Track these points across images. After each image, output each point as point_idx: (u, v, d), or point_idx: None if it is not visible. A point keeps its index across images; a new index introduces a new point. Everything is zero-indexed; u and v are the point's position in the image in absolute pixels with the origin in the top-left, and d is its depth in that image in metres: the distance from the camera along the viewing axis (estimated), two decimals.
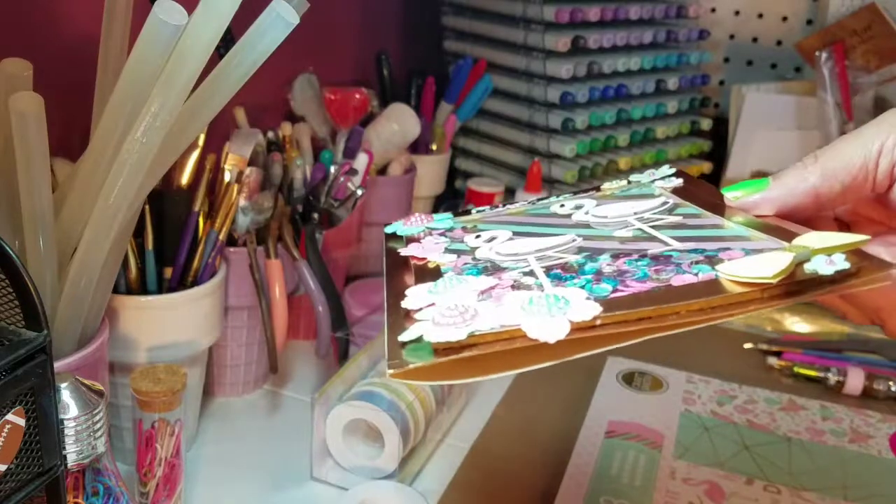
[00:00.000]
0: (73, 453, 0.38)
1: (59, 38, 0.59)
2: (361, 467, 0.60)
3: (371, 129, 0.85)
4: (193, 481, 0.59)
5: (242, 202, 0.62)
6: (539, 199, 0.44)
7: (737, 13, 1.15)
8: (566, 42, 0.87)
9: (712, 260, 0.31)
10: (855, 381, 0.76)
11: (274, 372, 0.65)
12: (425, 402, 0.62)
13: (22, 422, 0.34)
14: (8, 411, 0.34)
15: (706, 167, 1.04)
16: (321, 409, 0.59)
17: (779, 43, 1.14)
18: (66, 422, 0.37)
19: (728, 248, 0.32)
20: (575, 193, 0.43)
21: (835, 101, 1.05)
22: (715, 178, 1.06)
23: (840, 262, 0.28)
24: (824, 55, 1.05)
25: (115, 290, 0.54)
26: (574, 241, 0.35)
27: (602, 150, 0.94)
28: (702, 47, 1.03)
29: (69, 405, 0.38)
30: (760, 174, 1.08)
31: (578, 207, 0.40)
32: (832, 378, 0.77)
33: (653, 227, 0.36)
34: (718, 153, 1.09)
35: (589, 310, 0.27)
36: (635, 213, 0.38)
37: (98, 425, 0.39)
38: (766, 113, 1.08)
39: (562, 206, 0.41)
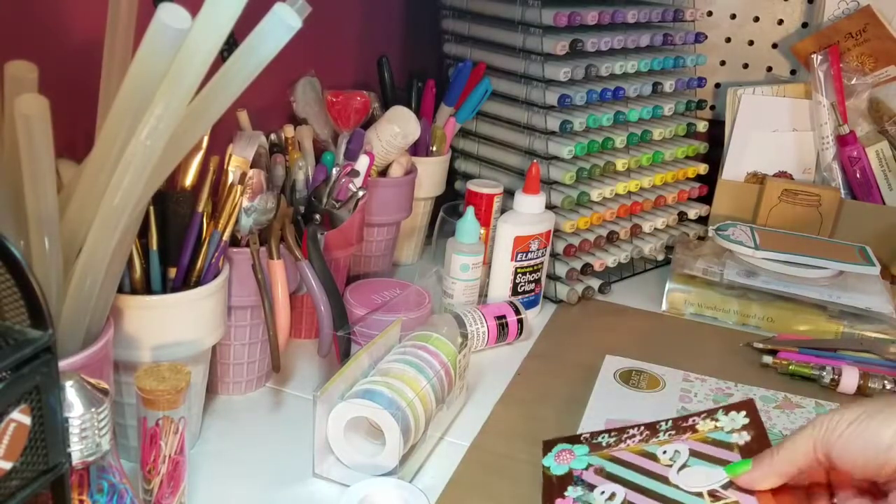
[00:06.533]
0: (77, 451, 0.38)
1: (63, 41, 0.60)
2: (363, 464, 0.60)
3: (372, 131, 0.86)
4: (197, 478, 0.59)
5: (245, 203, 0.62)
6: (649, 431, 0.58)
7: (733, 16, 1.15)
8: (564, 45, 0.88)
9: None
10: (849, 379, 0.76)
11: (276, 370, 0.66)
12: (426, 401, 0.62)
13: (27, 420, 0.35)
14: (13, 409, 0.34)
15: (702, 169, 1.05)
16: (323, 406, 0.60)
17: (774, 46, 1.14)
18: (71, 420, 0.38)
19: None
20: (676, 425, 0.57)
21: (830, 103, 1.06)
22: (711, 180, 1.07)
23: None
24: (819, 58, 1.06)
25: (120, 290, 0.55)
26: None
27: (600, 152, 0.95)
28: (698, 50, 1.04)
29: (74, 403, 0.38)
30: (756, 176, 1.09)
31: (673, 460, 0.54)
32: (827, 377, 0.77)
33: None
34: (714, 155, 1.09)
35: None
36: (706, 487, 0.51)
37: (103, 423, 0.39)
38: (761, 115, 1.08)
39: (664, 452, 0.55)
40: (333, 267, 0.77)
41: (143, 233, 0.56)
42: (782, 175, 1.09)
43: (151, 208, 0.57)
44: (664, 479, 0.53)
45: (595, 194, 0.93)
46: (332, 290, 0.69)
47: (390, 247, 0.94)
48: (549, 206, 0.90)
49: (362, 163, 0.75)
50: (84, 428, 0.38)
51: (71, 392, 0.38)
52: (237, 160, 0.63)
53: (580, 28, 0.91)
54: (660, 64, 0.97)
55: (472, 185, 0.93)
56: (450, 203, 0.99)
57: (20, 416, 0.34)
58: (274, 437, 0.66)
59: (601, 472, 0.56)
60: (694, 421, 0.56)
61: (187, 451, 0.51)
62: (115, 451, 0.42)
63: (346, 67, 0.97)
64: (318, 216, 0.70)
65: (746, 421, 0.54)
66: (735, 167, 1.09)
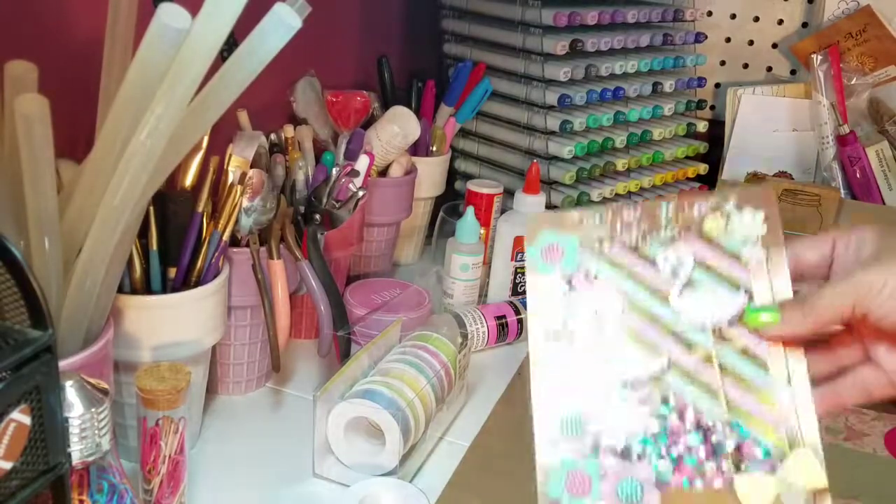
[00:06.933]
0: (77, 451, 0.38)
1: (64, 41, 0.60)
2: (363, 464, 0.60)
3: (372, 131, 0.86)
4: (197, 478, 0.59)
5: (245, 203, 0.62)
6: (649, 220, 0.49)
7: (733, 16, 1.15)
8: (564, 45, 0.88)
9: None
10: None
11: (276, 370, 0.66)
12: (425, 401, 0.62)
13: (28, 420, 0.35)
14: (14, 409, 0.34)
15: (702, 168, 1.05)
16: (323, 406, 0.60)
17: (774, 46, 1.14)
18: (71, 420, 0.38)
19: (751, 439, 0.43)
20: (679, 210, 0.49)
21: (829, 103, 1.06)
22: (711, 180, 1.07)
23: None
24: (819, 58, 1.06)
25: (120, 290, 0.55)
26: (661, 369, 0.45)
27: (599, 152, 0.95)
28: (698, 50, 1.04)
29: (74, 403, 0.38)
30: (756, 176, 1.09)
31: (675, 273, 0.47)
32: None
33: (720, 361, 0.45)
34: (714, 155, 1.09)
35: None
36: (712, 320, 0.45)
37: (103, 423, 0.39)
38: (761, 115, 1.08)
39: (665, 259, 0.48)
40: (333, 267, 0.77)
41: (143, 233, 0.56)
42: (782, 175, 1.09)
43: (151, 208, 0.57)
44: (664, 298, 0.47)
45: (595, 194, 0.93)
46: (332, 290, 0.69)
47: (390, 247, 0.94)
48: (549, 206, 0.90)
49: (362, 163, 0.75)
50: (84, 428, 0.38)
51: (71, 392, 0.38)
52: (237, 160, 0.63)
53: (580, 28, 0.91)
54: (660, 64, 0.97)
55: (472, 185, 0.93)
56: (450, 203, 0.99)
57: (20, 416, 0.34)
58: (274, 438, 0.66)
59: (595, 278, 0.48)
60: (701, 210, 0.49)
61: (187, 451, 0.51)
62: (115, 451, 0.42)
63: (346, 67, 0.97)
64: (318, 216, 0.70)
65: (765, 230, 0.47)
66: (735, 167, 1.09)
